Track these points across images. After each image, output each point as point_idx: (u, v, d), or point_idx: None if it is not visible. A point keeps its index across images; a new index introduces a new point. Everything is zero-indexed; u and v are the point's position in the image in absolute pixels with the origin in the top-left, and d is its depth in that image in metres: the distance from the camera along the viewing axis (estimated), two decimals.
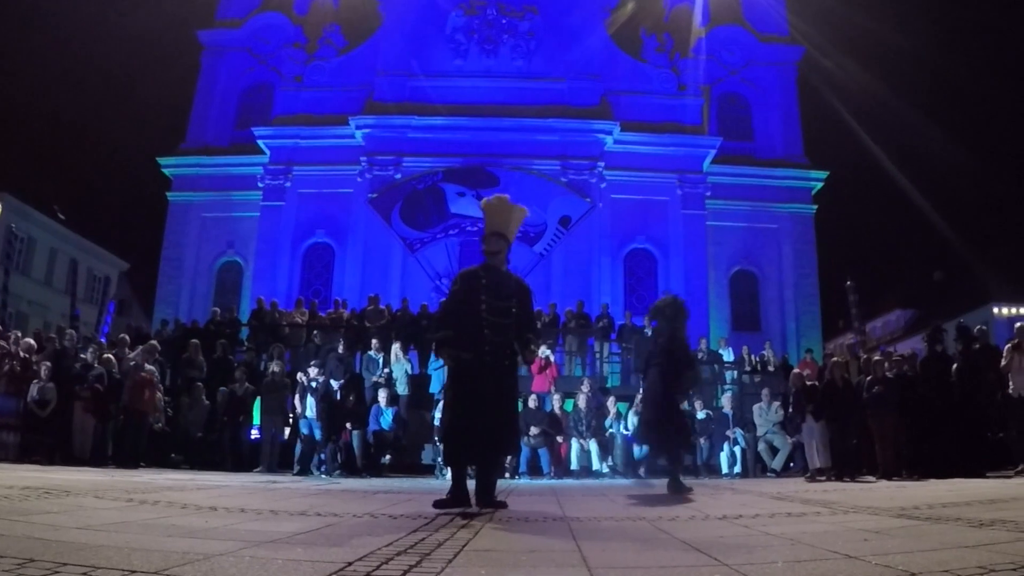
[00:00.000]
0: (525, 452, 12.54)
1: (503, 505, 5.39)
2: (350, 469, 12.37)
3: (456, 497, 5.26)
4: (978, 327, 12.16)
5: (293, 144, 25.29)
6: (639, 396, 10.68)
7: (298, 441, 12.46)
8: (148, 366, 12.74)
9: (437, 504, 5.16)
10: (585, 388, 13.70)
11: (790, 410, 12.34)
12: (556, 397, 13.76)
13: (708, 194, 25.21)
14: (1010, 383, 9.89)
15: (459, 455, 5.50)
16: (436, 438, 12.44)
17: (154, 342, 14.32)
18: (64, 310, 22.79)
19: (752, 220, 25.93)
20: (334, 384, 12.91)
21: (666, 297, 9.29)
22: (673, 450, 8.20)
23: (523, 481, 11.55)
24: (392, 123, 24.80)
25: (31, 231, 31.37)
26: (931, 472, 9.88)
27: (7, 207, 29.74)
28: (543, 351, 14.66)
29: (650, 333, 10.03)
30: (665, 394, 8.04)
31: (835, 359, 12.00)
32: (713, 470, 13.29)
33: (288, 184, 25.22)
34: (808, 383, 11.79)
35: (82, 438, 12.01)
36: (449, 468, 5.94)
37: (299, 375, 12.98)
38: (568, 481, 11.91)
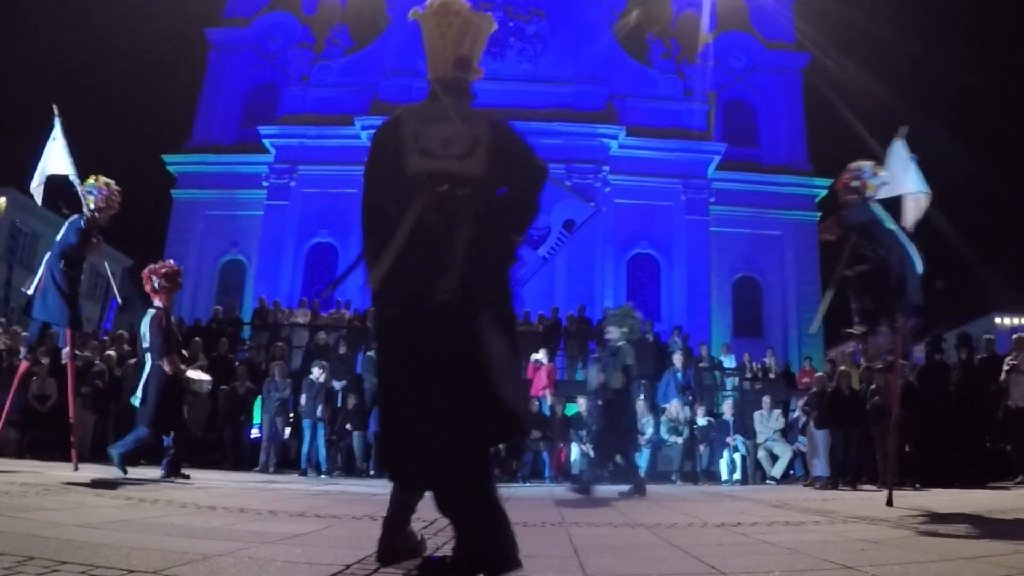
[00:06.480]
0: (526, 456, 12.52)
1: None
2: (350, 470, 12.39)
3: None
4: (986, 336, 12.14)
5: (299, 143, 25.28)
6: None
7: (302, 442, 12.47)
8: None
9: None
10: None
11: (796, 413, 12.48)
12: (552, 400, 13.64)
13: (712, 200, 25.19)
14: (1010, 394, 9.91)
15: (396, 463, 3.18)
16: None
17: None
18: None
19: (756, 227, 25.88)
20: (336, 385, 12.93)
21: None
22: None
23: (521, 485, 11.54)
24: None
25: (35, 226, 31.41)
26: (931, 482, 9.89)
27: (11, 202, 29.80)
28: (537, 355, 14.44)
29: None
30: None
31: (842, 368, 11.98)
32: (713, 477, 13.27)
33: (293, 183, 25.22)
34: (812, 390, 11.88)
35: (82, 435, 12.00)
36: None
37: (312, 372, 12.97)
38: (568, 486, 11.87)
